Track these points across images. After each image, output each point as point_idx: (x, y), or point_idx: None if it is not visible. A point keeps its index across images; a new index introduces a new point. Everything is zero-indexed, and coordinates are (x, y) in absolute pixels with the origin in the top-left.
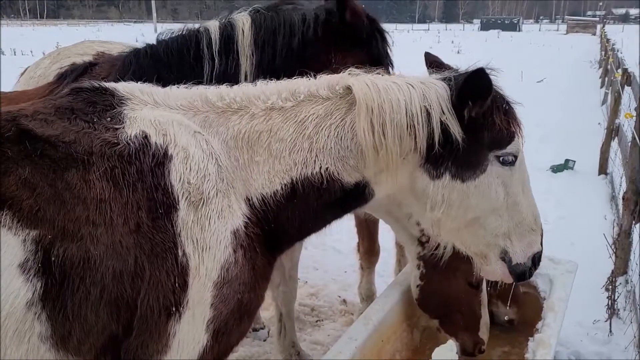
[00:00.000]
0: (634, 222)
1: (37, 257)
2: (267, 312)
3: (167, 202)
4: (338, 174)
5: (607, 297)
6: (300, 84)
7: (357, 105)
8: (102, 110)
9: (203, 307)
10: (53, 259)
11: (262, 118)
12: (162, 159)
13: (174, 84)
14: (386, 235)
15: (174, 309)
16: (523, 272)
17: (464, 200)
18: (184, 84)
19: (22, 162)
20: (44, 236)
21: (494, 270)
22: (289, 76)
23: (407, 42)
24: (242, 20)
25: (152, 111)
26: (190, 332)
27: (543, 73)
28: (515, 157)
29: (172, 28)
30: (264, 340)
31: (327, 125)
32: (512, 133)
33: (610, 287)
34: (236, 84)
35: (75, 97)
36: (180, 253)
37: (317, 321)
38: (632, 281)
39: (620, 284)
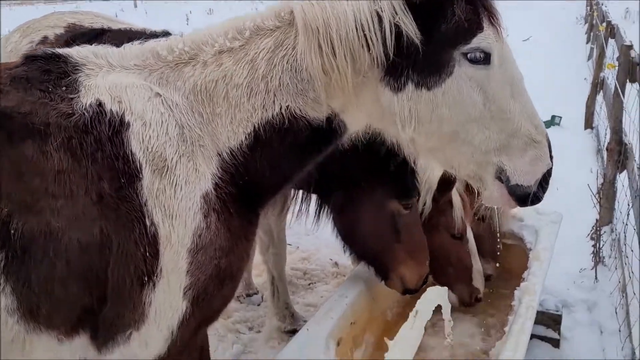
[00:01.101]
0: (617, 171)
1: None
2: (260, 277)
3: (129, 171)
4: (300, 110)
5: (593, 246)
6: (246, 19)
7: (299, 28)
8: (57, 79)
9: (178, 275)
10: (12, 232)
11: (213, 65)
12: (119, 127)
13: None
14: None
15: (146, 278)
16: (526, 195)
17: (435, 111)
18: None
19: None
20: (1, 210)
21: (491, 195)
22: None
23: None
24: None
25: (107, 75)
26: (167, 300)
27: (529, 31)
28: (486, 52)
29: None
30: (258, 305)
31: (279, 59)
32: (476, 22)
33: (595, 235)
34: None
35: (30, 66)
36: (148, 222)
37: (309, 284)
38: (616, 229)
39: (605, 232)
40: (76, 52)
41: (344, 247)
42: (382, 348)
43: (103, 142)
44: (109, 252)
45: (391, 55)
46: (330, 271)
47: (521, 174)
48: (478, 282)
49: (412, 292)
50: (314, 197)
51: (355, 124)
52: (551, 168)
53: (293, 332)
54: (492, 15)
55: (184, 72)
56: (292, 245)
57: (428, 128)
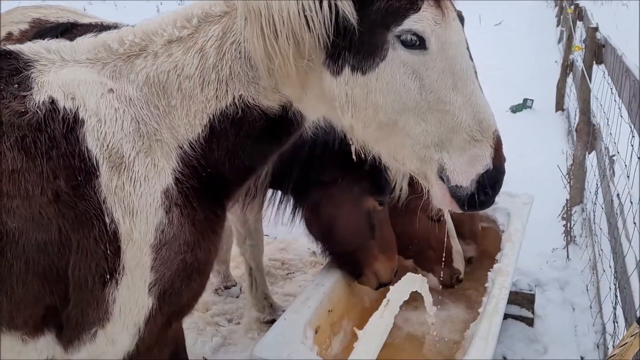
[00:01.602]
0: (587, 152)
1: None
2: (238, 269)
3: (86, 168)
4: (253, 100)
5: (564, 226)
6: (195, 6)
7: (241, 12)
8: (8, 76)
9: (142, 271)
10: None
11: (164, 56)
12: (73, 125)
13: None
14: None
15: (108, 275)
16: (466, 198)
17: (368, 96)
18: None
19: None
20: None
21: (435, 194)
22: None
23: None
24: None
25: (60, 71)
26: (131, 297)
27: (501, 16)
28: (419, 36)
29: None
30: (237, 297)
31: (228, 46)
32: (409, 1)
33: (566, 215)
34: None
35: None
36: (108, 220)
37: (288, 274)
38: (586, 209)
39: (575, 212)
40: (28, 48)
41: (319, 246)
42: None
43: (58, 140)
44: (68, 250)
45: (331, 36)
46: (308, 260)
47: (460, 174)
48: (458, 263)
49: (385, 286)
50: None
51: (312, 112)
52: (495, 172)
53: (272, 322)
54: None
55: (136, 64)
56: (269, 236)
57: (364, 115)
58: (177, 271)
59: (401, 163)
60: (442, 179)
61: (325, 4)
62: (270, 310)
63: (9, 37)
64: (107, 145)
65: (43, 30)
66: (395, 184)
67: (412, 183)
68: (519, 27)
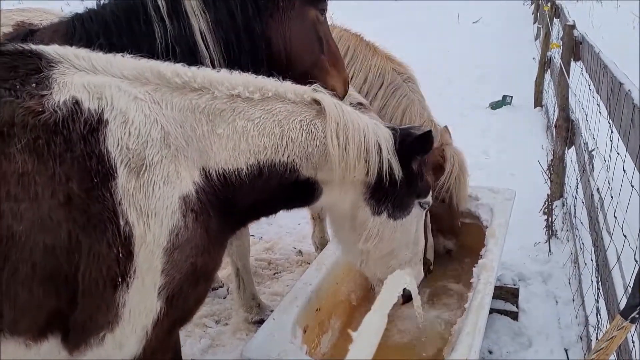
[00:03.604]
0: (566, 147)
1: None
2: (224, 270)
3: (103, 170)
4: (300, 167)
5: (545, 220)
6: (267, 82)
7: (327, 116)
8: (25, 75)
9: (153, 275)
10: None
11: (225, 100)
12: (96, 125)
13: (128, 52)
14: None
15: (120, 279)
16: (409, 296)
17: (392, 234)
18: (138, 51)
19: None
20: None
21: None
22: (248, 29)
23: None
24: None
25: (86, 76)
26: (141, 300)
27: (479, 13)
28: (429, 204)
29: None
30: (224, 298)
31: (299, 120)
32: (431, 185)
33: (547, 210)
34: (194, 44)
35: None
36: (122, 222)
37: (274, 274)
38: (567, 203)
39: (556, 206)
40: (52, 49)
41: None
42: (348, 333)
43: (74, 142)
44: (78, 254)
45: (384, 180)
46: (294, 259)
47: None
48: (430, 254)
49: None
50: None
51: (329, 201)
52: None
53: (260, 322)
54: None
55: (188, 95)
56: (255, 236)
57: (382, 245)
58: (186, 275)
59: (375, 273)
60: None
61: (384, 155)
62: (258, 310)
63: None
64: (129, 147)
65: (29, 32)
66: None
67: None
68: (497, 25)
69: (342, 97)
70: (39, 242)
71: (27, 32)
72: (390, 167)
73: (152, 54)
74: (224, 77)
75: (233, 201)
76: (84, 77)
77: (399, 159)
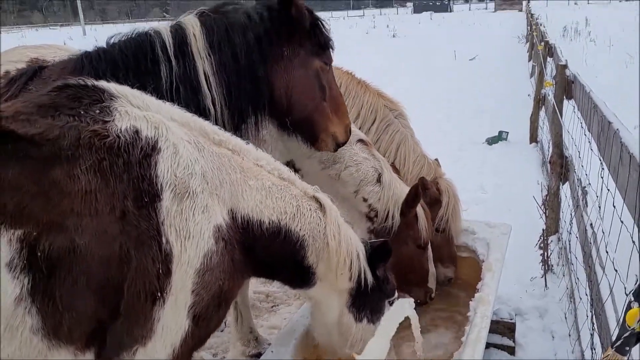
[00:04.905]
0: (560, 183)
1: (22, 254)
2: None
3: (152, 191)
4: (307, 246)
5: (541, 255)
6: (282, 167)
7: (328, 214)
8: (89, 104)
9: (185, 293)
10: (39, 253)
11: (251, 164)
12: (150, 151)
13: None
14: None
15: (159, 294)
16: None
17: (368, 334)
18: (143, 88)
19: (7, 164)
20: (29, 233)
21: None
22: (253, 73)
23: (344, 28)
24: (192, 24)
25: (143, 111)
26: (173, 317)
27: (475, 51)
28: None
29: (101, 29)
30: (222, 331)
31: (307, 204)
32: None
33: (543, 245)
34: (197, 84)
35: (59, 94)
36: (164, 241)
37: (272, 307)
38: (562, 238)
39: (552, 241)
40: (113, 86)
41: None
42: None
43: (132, 164)
44: (127, 267)
45: (362, 285)
46: (292, 292)
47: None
48: (432, 283)
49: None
50: None
51: (316, 295)
52: None
53: (258, 355)
54: None
55: (223, 151)
56: None
57: (360, 344)
58: (213, 296)
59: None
60: None
61: (362, 263)
62: (256, 344)
63: (7, 75)
64: (176, 175)
65: (16, 75)
66: (388, 213)
67: (404, 213)
68: (493, 62)
69: (343, 143)
70: (95, 254)
71: (36, 69)
72: (365, 274)
73: (156, 92)
74: (251, 149)
75: (250, 249)
76: (141, 111)
77: (371, 269)
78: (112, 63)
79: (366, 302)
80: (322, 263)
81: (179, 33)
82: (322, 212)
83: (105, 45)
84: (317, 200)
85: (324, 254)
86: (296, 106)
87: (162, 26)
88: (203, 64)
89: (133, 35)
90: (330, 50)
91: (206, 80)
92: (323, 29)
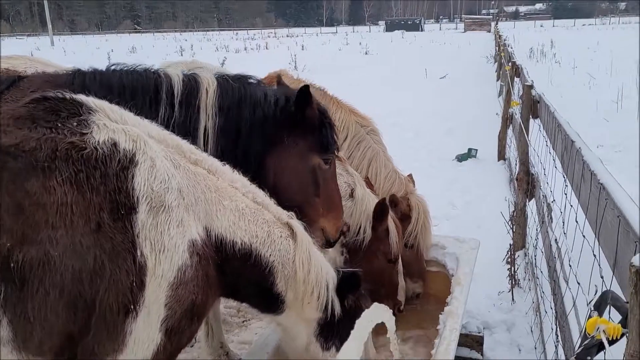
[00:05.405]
0: (527, 199)
1: None
2: None
3: (128, 204)
4: (276, 272)
5: (508, 270)
6: (257, 190)
7: (299, 243)
8: (66, 117)
9: (158, 306)
10: (12, 264)
11: (226, 184)
12: (127, 164)
13: None
14: None
15: (132, 307)
16: None
17: None
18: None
19: None
20: (3, 245)
21: None
22: (248, 146)
23: (316, 45)
24: (208, 81)
25: (121, 124)
26: (145, 330)
27: (445, 69)
28: None
29: (70, 39)
30: (192, 346)
31: (279, 231)
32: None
33: (510, 260)
34: (194, 137)
35: (36, 106)
36: (138, 253)
37: (243, 321)
38: (529, 253)
39: (519, 256)
40: (91, 100)
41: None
42: None
43: (109, 176)
44: (100, 279)
45: (328, 315)
46: None
47: None
48: (401, 296)
49: (331, 246)
50: None
51: (285, 322)
52: None
53: None
54: None
55: (200, 170)
56: None
57: None
58: (186, 310)
59: None
60: None
61: (330, 293)
62: (226, 358)
63: None
64: (153, 188)
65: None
66: (360, 227)
67: (375, 227)
68: (463, 81)
69: (333, 242)
70: (69, 266)
71: (14, 79)
72: (333, 304)
73: None
74: (227, 170)
75: (222, 268)
76: (119, 125)
77: (340, 299)
78: (107, 88)
79: (335, 331)
80: (291, 291)
81: (191, 84)
82: (293, 239)
83: (104, 69)
84: (289, 227)
85: (293, 282)
86: (285, 193)
87: (174, 71)
88: (207, 120)
89: (139, 69)
90: (335, 152)
91: (204, 136)
92: (329, 132)
